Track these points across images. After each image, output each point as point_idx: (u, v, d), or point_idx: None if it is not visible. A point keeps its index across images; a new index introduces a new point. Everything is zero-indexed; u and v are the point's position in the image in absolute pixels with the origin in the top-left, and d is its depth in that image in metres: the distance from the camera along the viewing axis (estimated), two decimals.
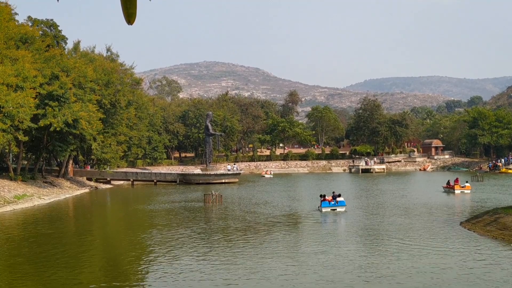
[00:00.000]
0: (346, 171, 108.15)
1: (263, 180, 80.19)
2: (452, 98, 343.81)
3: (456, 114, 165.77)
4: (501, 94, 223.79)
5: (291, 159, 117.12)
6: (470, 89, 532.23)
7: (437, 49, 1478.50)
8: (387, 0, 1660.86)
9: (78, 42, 73.28)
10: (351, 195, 48.89)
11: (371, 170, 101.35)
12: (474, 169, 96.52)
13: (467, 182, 51.72)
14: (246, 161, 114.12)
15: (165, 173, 78.71)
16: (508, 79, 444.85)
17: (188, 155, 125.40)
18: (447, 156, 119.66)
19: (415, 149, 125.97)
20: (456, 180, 51.37)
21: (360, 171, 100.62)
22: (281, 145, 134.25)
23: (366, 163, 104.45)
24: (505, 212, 26.45)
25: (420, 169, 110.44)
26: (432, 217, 32.04)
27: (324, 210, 35.58)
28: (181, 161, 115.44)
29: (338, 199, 36.50)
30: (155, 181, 73.03)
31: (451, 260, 19.68)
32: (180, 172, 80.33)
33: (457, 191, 49.27)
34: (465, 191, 49.33)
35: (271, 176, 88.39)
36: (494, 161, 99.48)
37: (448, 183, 52.30)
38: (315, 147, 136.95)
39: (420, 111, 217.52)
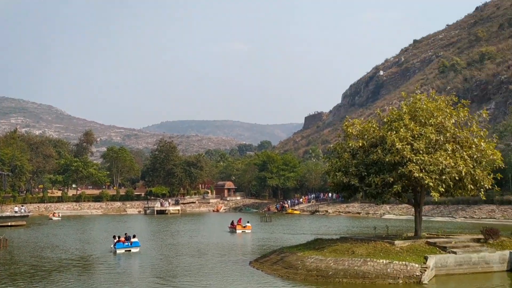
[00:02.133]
0: (142, 212, 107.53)
1: (52, 222, 76.52)
2: (244, 142, 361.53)
3: (247, 157, 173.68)
4: (287, 139, 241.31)
5: (84, 201, 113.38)
6: (260, 134, 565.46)
7: (231, 95, 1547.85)
8: (183, 47, 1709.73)
9: None
10: (146, 236, 48.93)
11: (166, 211, 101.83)
12: (263, 210, 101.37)
13: (248, 222, 55.26)
14: (36, 203, 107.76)
15: None
16: (294, 125, 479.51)
17: None
18: (238, 198, 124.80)
19: (209, 191, 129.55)
20: (239, 220, 54.80)
21: (155, 213, 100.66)
22: (74, 185, 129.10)
23: (161, 205, 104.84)
24: (290, 251, 28.24)
25: (213, 210, 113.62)
26: (224, 257, 33.18)
27: (118, 251, 35.18)
28: None
29: (132, 240, 36.40)
30: None
31: None
32: None
33: (238, 231, 52.69)
34: (246, 231, 52.92)
35: (59, 218, 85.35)
36: (281, 202, 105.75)
37: (232, 223, 55.14)
38: (110, 188, 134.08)
39: (214, 154, 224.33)
